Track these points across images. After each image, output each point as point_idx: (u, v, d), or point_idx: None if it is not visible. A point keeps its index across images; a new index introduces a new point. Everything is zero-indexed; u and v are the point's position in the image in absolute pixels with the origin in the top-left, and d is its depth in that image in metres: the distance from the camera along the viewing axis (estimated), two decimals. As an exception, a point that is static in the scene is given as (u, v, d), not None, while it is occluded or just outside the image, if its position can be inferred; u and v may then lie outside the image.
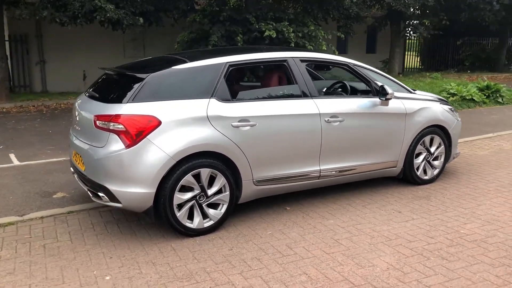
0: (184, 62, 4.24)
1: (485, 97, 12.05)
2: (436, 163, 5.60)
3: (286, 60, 4.62)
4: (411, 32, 19.13)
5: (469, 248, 3.82)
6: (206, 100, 4.09)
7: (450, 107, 5.82)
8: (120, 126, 3.79)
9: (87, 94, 4.56)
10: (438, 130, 5.51)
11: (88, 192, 4.18)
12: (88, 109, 4.22)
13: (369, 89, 5.11)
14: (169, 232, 4.17)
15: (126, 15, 9.85)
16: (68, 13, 9.73)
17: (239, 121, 4.16)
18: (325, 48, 13.70)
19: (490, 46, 24.44)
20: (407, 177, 5.43)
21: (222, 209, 4.20)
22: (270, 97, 4.51)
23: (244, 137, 4.19)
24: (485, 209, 4.72)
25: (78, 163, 4.31)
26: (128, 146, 3.80)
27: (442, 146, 5.59)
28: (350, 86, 5.44)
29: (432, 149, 5.53)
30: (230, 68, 4.32)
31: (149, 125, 3.82)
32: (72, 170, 4.72)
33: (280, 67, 4.71)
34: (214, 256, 3.72)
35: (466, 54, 23.69)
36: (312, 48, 13.26)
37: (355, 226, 4.31)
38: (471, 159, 6.73)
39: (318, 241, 3.98)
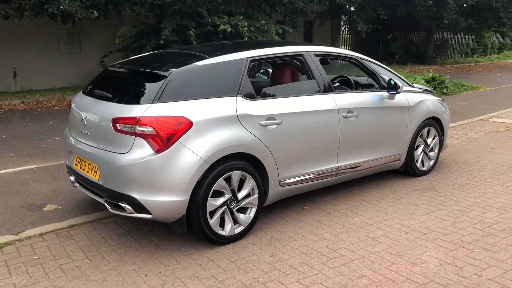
0: (204, 58, 3.92)
1: (432, 88, 12.62)
2: (431, 154, 5.71)
3: (302, 54, 4.45)
4: (349, 27, 19.59)
5: (503, 237, 3.88)
6: (233, 98, 3.82)
7: (439, 98, 5.95)
8: (149, 129, 3.42)
9: (89, 94, 4.10)
10: (434, 122, 5.62)
11: (105, 203, 3.75)
12: (100, 111, 3.78)
13: (375, 82, 5.08)
14: (195, 241, 3.86)
15: (80, 7, 9.09)
16: (13, 4, 8.79)
17: (266, 120, 3.93)
18: (277, 42, 13.63)
19: (417, 40, 25.78)
20: (408, 169, 5.48)
21: (251, 213, 3.96)
22: (292, 93, 4.30)
23: (271, 136, 3.97)
24: (493, 197, 4.86)
25: (88, 172, 3.86)
26: (158, 151, 3.44)
27: (437, 138, 5.71)
28: (352, 79, 5.38)
29: (429, 141, 5.63)
30: (251, 64, 4.08)
31: (181, 127, 3.49)
32: (73, 179, 4.23)
33: (296, 61, 4.53)
34: (259, 265, 3.48)
35: (397, 47, 24.80)
36: (264, 42, 13.13)
37: (382, 222, 4.25)
38: (449, 149, 6.94)
39: (356, 241, 3.87)
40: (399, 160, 5.31)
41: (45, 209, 4.63)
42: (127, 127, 3.49)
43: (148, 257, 3.62)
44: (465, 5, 22.84)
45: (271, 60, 4.53)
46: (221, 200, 3.72)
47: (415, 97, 5.35)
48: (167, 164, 3.45)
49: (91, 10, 9.65)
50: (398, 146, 5.21)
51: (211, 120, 3.64)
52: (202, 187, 3.57)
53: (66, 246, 3.84)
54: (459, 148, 7.01)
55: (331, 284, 3.19)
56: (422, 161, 5.59)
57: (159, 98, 3.54)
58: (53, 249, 3.79)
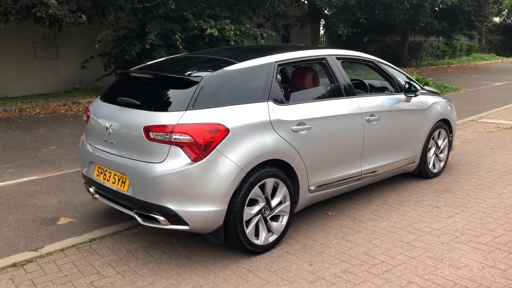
0: (233, 62, 3.81)
1: (418, 90, 12.79)
2: (441, 156, 5.74)
3: (325, 58, 4.40)
4: (329, 30, 19.74)
5: (534, 238, 3.92)
6: (265, 104, 3.72)
7: (446, 100, 5.99)
8: (187, 137, 3.28)
9: (110, 101, 3.92)
10: (443, 123, 5.65)
11: (135, 215, 3.58)
12: (128, 119, 3.61)
13: (391, 85, 5.07)
14: (227, 251, 3.74)
15: (69, 11, 8.77)
16: (-1, 8, 8.44)
17: (297, 125, 3.85)
18: (263, 46, 13.58)
19: (392, 43, 26.23)
20: (421, 172, 5.49)
21: (283, 221, 3.87)
22: (317, 97, 4.26)
23: (302, 142, 3.89)
24: (510, 197, 4.90)
25: (114, 183, 3.68)
26: (195, 160, 3.31)
27: (447, 140, 5.75)
28: (368, 83, 5.37)
29: (439, 143, 5.66)
30: (278, 68, 3.99)
31: (218, 134, 3.36)
32: (92, 190, 4.03)
33: (319, 65, 4.47)
34: (302, 274, 3.38)
35: (372, 50, 25.16)
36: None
37: (411, 226, 4.22)
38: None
39: (392, 246, 3.82)
40: (413, 162, 5.31)
41: (59, 222, 4.40)
42: (161, 136, 3.34)
43: (184, 270, 3.47)
44: (436, 8, 23.41)
45: (296, 64, 4.45)
46: (256, 209, 3.62)
47: (428, 100, 5.37)
48: (204, 173, 3.32)
49: (78, 14, 9.34)
50: (413, 149, 5.21)
51: (246, 126, 3.53)
52: (239, 196, 3.46)
53: (92, 261, 3.65)
54: (460, 149, 7.08)
55: (381, 292, 3.13)
56: (433, 163, 5.62)
57: (193, 104, 3.41)
58: (78, 265, 3.59)
